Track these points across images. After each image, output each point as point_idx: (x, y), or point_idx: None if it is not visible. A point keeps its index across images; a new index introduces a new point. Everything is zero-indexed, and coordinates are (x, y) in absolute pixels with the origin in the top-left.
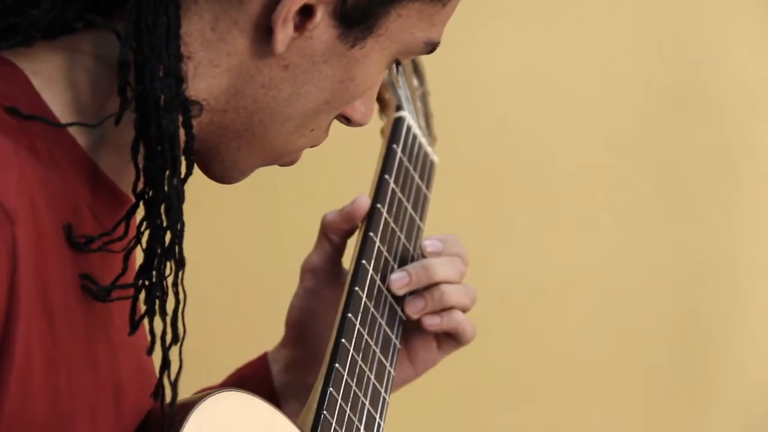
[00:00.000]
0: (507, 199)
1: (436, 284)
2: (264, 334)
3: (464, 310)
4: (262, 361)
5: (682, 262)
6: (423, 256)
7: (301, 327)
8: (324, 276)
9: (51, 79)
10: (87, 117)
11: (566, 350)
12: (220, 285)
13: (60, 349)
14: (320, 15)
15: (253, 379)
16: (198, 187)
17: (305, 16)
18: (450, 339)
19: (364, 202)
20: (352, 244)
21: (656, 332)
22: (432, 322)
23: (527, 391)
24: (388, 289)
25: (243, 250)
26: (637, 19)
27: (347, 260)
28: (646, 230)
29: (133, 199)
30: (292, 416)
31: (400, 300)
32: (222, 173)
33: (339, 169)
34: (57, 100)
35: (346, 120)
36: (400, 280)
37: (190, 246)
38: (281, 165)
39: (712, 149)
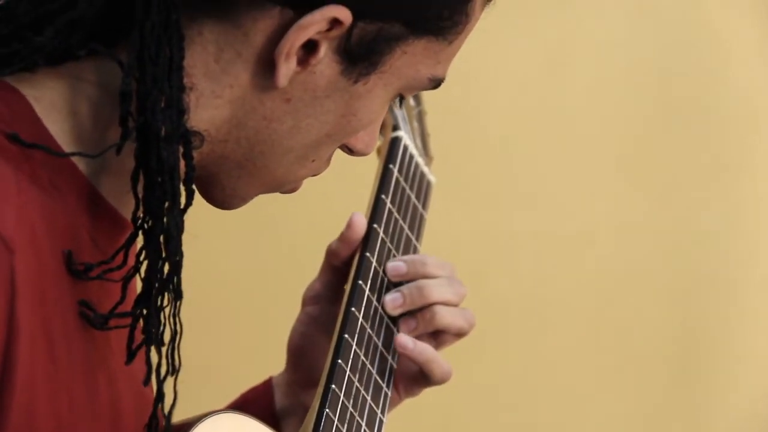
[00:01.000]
0: (503, 218)
1: (431, 305)
2: (264, 360)
3: (460, 334)
4: (266, 386)
5: (679, 275)
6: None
7: (301, 351)
8: (325, 303)
9: (53, 105)
10: (88, 144)
11: (564, 364)
12: (220, 310)
13: (61, 378)
14: (324, 50)
15: (255, 403)
16: (197, 213)
17: (309, 51)
18: (421, 375)
19: (360, 222)
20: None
21: (654, 345)
22: (404, 344)
23: (524, 404)
24: (384, 310)
25: (241, 275)
26: (632, 30)
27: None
28: (644, 243)
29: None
30: None
31: (396, 320)
32: (222, 200)
33: (336, 189)
34: (59, 127)
35: (349, 150)
36: (394, 301)
37: (189, 273)
38: (282, 192)
39: (710, 161)
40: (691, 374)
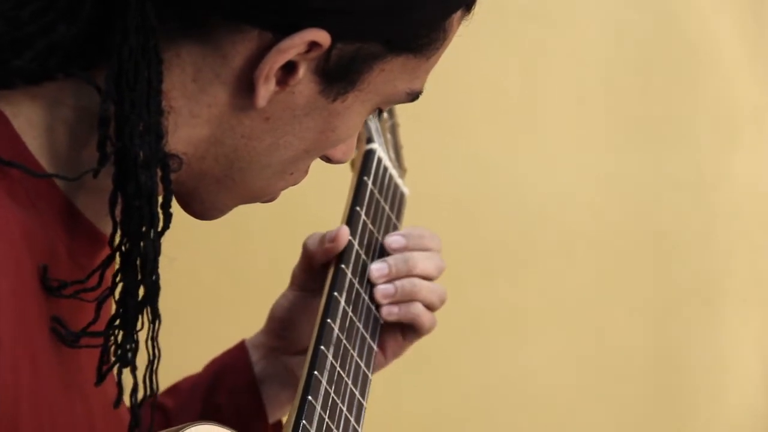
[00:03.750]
0: (478, 230)
1: (412, 276)
2: None
3: (431, 309)
4: (241, 349)
5: (659, 291)
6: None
7: (285, 323)
8: (313, 283)
9: (30, 122)
10: (65, 162)
11: (542, 382)
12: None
13: (43, 393)
14: (303, 71)
15: (232, 367)
16: (174, 235)
17: (288, 72)
18: (411, 330)
19: (345, 235)
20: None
21: (633, 365)
22: (390, 311)
23: (502, 423)
24: (362, 311)
25: (219, 293)
26: (610, 47)
27: None
28: (622, 261)
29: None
30: (274, 399)
31: (376, 321)
32: (201, 212)
33: (310, 202)
34: (36, 143)
35: (327, 159)
36: (379, 270)
37: (166, 294)
38: (260, 202)
39: (687, 178)
40: (671, 397)
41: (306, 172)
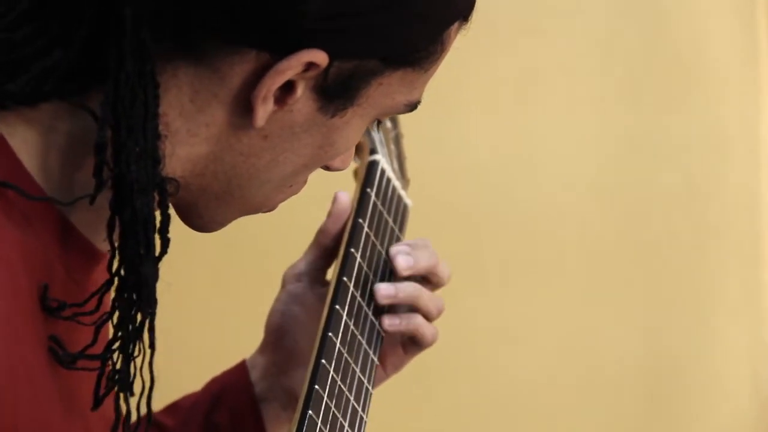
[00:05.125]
0: (480, 241)
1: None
2: None
3: (429, 318)
4: (241, 369)
5: (650, 303)
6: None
7: (281, 332)
8: (308, 281)
9: (26, 142)
10: (61, 182)
11: (534, 393)
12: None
13: (41, 414)
14: (301, 90)
15: (232, 386)
16: (171, 260)
17: (286, 91)
18: (412, 343)
19: (344, 197)
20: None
21: (625, 375)
22: (392, 323)
23: (494, 427)
24: (364, 324)
25: (218, 304)
26: (602, 61)
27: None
28: (615, 273)
29: (107, 254)
30: (274, 419)
31: (379, 319)
32: (201, 226)
33: (313, 214)
34: (34, 163)
35: (326, 167)
36: (386, 290)
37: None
38: (260, 212)
39: (679, 191)
40: (663, 396)
41: (305, 182)
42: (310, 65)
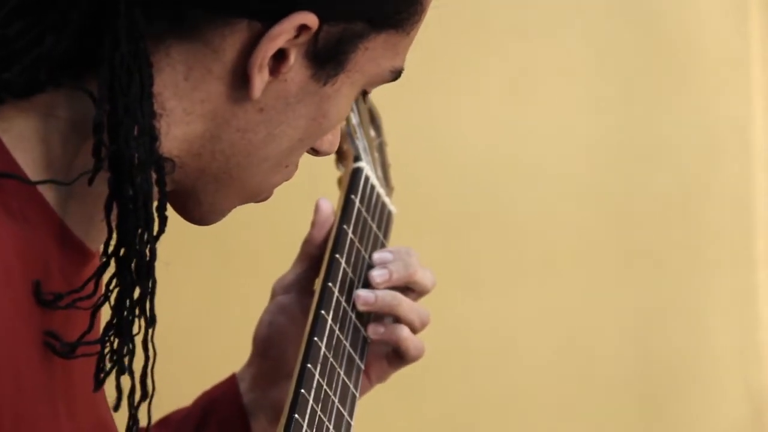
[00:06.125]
0: (466, 248)
1: (398, 320)
2: None
3: (412, 329)
4: (231, 382)
5: (642, 306)
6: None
7: (269, 342)
8: (296, 293)
9: (21, 136)
10: (57, 172)
11: (528, 397)
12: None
13: (26, 409)
14: (293, 57)
15: (222, 399)
16: (169, 240)
17: (279, 60)
18: (396, 356)
19: (325, 204)
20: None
21: (618, 378)
22: (376, 330)
23: None
24: (349, 329)
25: (211, 301)
26: (594, 64)
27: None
28: (607, 276)
29: (98, 256)
30: (262, 431)
31: (364, 325)
32: (200, 216)
33: (298, 220)
34: (28, 157)
35: (315, 151)
36: (366, 299)
37: (161, 300)
38: (255, 202)
39: (671, 194)
40: (657, 410)
41: (297, 166)
42: (301, 29)
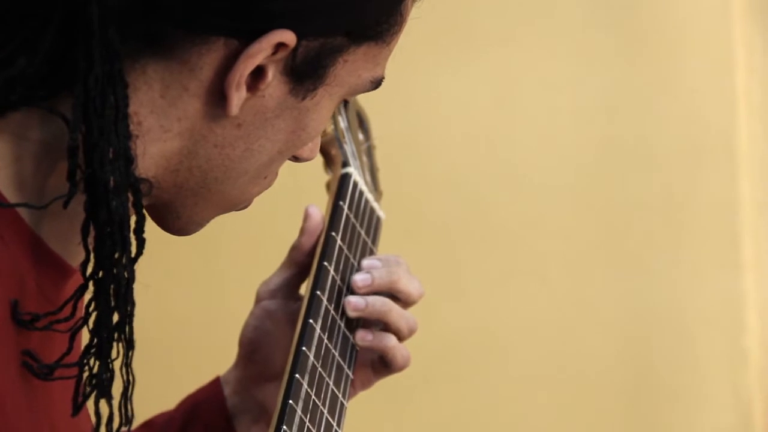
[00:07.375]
0: (454, 252)
1: (386, 327)
2: None
3: (399, 336)
4: (215, 385)
5: (629, 312)
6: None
7: (254, 346)
8: (281, 298)
9: None
10: (32, 192)
11: (515, 404)
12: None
13: (8, 429)
14: (271, 74)
15: (206, 402)
16: (148, 262)
17: (257, 77)
18: (382, 365)
19: (315, 211)
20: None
21: (606, 385)
22: (364, 337)
23: None
24: (338, 338)
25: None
26: (579, 70)
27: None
28: (594, 282)
29: (79, 269)
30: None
31: (353, 333)
32: (179, 227)
33: (285, 225)
34: (2, 175)
35: (295, 158)
36: (356, 304)
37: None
38: (235, 210)
39: (657, 199)
40: (645, 414)
41: (277, 174)
42: (279, 46)
